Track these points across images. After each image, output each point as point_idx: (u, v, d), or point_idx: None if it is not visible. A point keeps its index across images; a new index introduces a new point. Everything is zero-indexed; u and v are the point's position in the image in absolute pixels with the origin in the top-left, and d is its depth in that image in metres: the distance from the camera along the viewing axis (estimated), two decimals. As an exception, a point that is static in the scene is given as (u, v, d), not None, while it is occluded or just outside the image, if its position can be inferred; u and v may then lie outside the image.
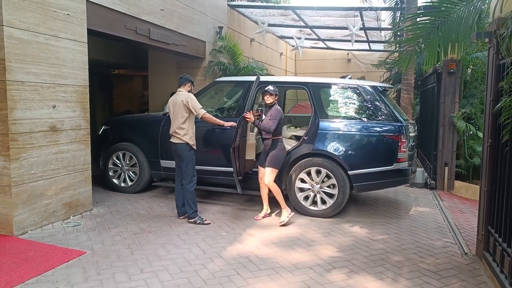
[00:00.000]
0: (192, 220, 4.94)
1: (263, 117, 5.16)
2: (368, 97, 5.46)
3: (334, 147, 5.30)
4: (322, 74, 14.93)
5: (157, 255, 3.94)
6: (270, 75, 10.85)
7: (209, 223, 4.97)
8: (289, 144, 5.73)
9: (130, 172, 6.32)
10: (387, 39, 13.03)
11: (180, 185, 5.06)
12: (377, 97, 5.45)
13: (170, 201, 5.91)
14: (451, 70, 7.20)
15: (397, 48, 10.27)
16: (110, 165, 6.38)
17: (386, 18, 11.25)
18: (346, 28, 10.29)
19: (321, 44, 15.18)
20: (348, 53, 16.42)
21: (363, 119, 5.43)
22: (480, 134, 7.01)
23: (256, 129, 5.75)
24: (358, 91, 5.52)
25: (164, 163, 6.00)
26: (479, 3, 4.00)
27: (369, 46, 14.49)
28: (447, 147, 7.39)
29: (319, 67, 16.65)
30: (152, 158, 6.11)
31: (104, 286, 3.29)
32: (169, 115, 5.11)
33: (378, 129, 5.27)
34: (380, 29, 11.67)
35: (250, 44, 11.66)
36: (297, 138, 6.57)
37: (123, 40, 6.52)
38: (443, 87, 7.37)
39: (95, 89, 10.49)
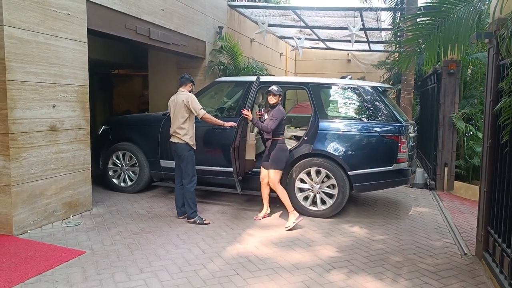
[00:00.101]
0: (191, 220, 4.94)
1: (266, 116, 5.14)
2: (368, 97, 5.46)
3: (334, 147, 5.30)
4: (322, 74, 14.94)
5: (157, 255, 3.94)
6: (270, 75, 10.85)
7: (209, 223, 4.97)
8: (289, 144, 5.72)
9: (130, 172, 6.32)
10: (387, 39, 13.03)
11: (180, 185, 5.06)
12: (377, 97, 5.45)
13: (169, 201, 5.91)
14: (451, 71, 7.20)
15: (397, 49, 10.27)
16: (110, 165, 6.38)
17: (386, 18, 11.28)
18: (346, 29, 10.30)
19: (321, 45, 15.19)
20: (348, 54, 16.43)
21: (363, 119, 5.43)
22: (480, 135, 7.02)
23: (256, 129, 5.76)
24: (358, 92, 5.52)
25: (164, 163, 6.01)
26: (479, 3, 4.00)
27: (369, 46, 14.50)
28: (447, 147, 7.39)
29: (319, 67, 16.65)
30: (152, 158, 6.12)
31: (104, 285, 3.29)
32: (169, 114, 5.12)
33: (378, 129, 5.27)
34: (380, 29, 11.67)
35: (250, 44, 11.67)
36: (297, 138, 6.57)
37: (123, 40, 6.52)
38: (443, 87, 7.38)
39: (95, 89, 10.49)
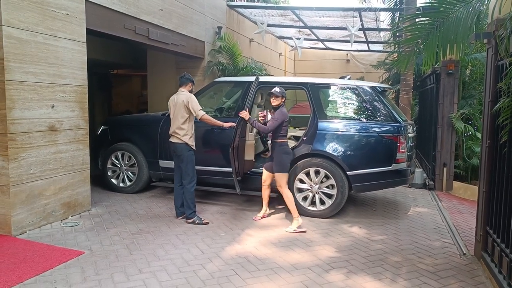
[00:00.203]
0: (190, 220, 4.94)
1: (269, 118, 5.09)
2: (367, 97, 5.47)
3: (333, 147, 5.30)
4: (321, 74, 14.93)
5: (156, 255, 3.93)
6: (269, 75, 10.85)
7: (207, 223, 4.96)
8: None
9: (129, 172, 6.32)
10: (386, 39, 13.04)
11: (179, 185, 5.05)
12: (376, 97, 5.46)
13: (168, 201, 5.90)
14: (450, 71, 7.21)
15: (396, 49, 10.28)
16: (109, 165, 6.37)
17: (385, 18, 11.28)
18: (345, 29, 10.29)
19: (320, 45, 15.19)
20: (347, 54, 16.43)
21: (362, 119, 5.43)
22: (479, 135, 7.02)
23: (255, 129, 5.75)
24: (357, 92, 5.52)
25: (163, 163, 6.00)
26: (478, 4, 4.00)
27: (368, 46, 14.50)
28: (445, 147, 7.40)
29: (318, 67, 16.65)
30: (151, 158, 6.11)
31: (103, 286, 3.28)
32: (168, 114, 5.11)
33: (377, 129, 5.27)
34: (379, 29, 11.68)
35: (249, 44, 11.66)
36: (296, 138, 6.57)
37: (122, 40, 6.52)
38: (441, 87, 7.38)
39: (94, 89, 10.47)
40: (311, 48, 15.87)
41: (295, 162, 5.40)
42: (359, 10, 9.57)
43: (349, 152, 5.27)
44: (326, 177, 5.29)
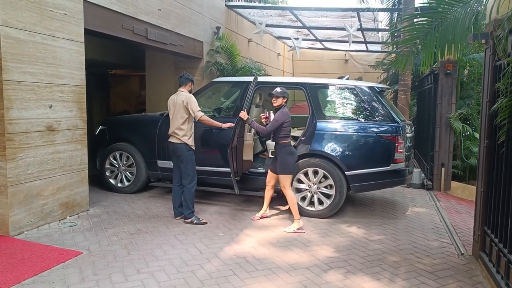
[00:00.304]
0: (188, 220, 4.94)
1: (272, 119, 5.04)
2: (365, 97, 5.47)
3: (331, 147, 5.30)
4: (319, 74, 14.94)
5: (154, 256, 3.93)
6: (268, 75, 10.85)
7: (206, 223, 4.96)
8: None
9: (127, 173, 6.31)
10: (384, 40, 13.06)
11: (178, 186, 5.05)
12: (374, 97, 5.46)
13: (167, 201, 5.90)
14: (448, 71, 7.22)
15: (394, 49, 10.30)
16: (107, 165, 6.36)
17: (383, 19, 11.29)
18: (343, 29, 10.31)
19: (318, 45, 15.20)
20: (345, 54, 16.45)
21: (360, 119, 5.44)
22: (477, 135, 7.04)
23: (253, 130, 5.75)
24: (355, 92, 5.53)
25: (161, 163, 5.99)
26: (476, 4, 4.01)
27: (367, 47, 14.53)
28: (443, 147, 7.41)
29: (317, 67, 16.67)
30: (149, 158, 6.10)
31: (101, 286, 3.28)
32: (166, 115, 5.10)
33: (375, 129, 5.28)
34: (377, 30, 11.70)
35: (248, 45, 11.67)
36: (294, 138, 6.57)
37: (120, 40, 6.51)
38: (440, 88, 7.40)
39: (92, 89, 10.45)
40: (310, 48, 15.89)
41: (293, 162, 5.40)
42: (358, 10, 9.59)
43: (347, 152, 5.27)
44: (325, 177, 5.30)
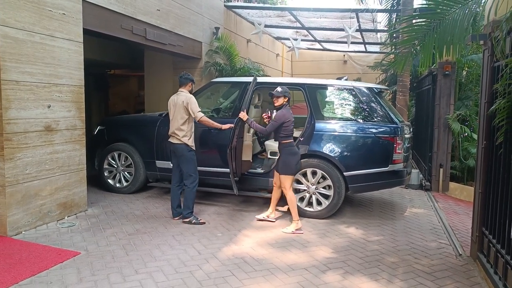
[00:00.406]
0: (187, 220, 4.93)
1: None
2: (364, 98, 5.48)
3: (329, 148, 5.31)
4: (318, 75, 14.95)
5: (152, 256, 3.93)
6: (267, 76, 10.85)
7: (204, 223, 4.96)
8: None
9: (126, 173, 6.30)
10: (383, 40, 13.07)
11: (176, 186, 5.05)
12: (372, 98, 5.47)
13: (165, 201, 5.89)
14: (446, 72, 7.24)
15: (393, 50, 10.33)
16: (105, 166, 6.36)
17: (382, 20, 11.31)
18: (342, 30, 10.31)
19: (317, 46, 15.21)
20: (344, 55, 16.46)
21: (359, 120, 5.44)
22: (475, 136, 7.05)
23: (252, 130, 5.75)
24: (354, 93, 5.53)
25: (160, 163, 5.99)
26: (474, 5, 4.02)
27: (365, 47, 14.54)
28: (442, 148, 7.42)
29: (315, 68, 16.67)
30: (147, 159, 6.10)
31: (99, 287, 3.27)
32: (166, 115, 5.10)
33: (373, 130, 5.29)
34: (376, 30, 11.71)
35: (247, 45, 11.66)
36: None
37: (119, 40, 6.50)
38: (438, 89, 7.41)
39: (91, 89, 10.46)
40: (308, 49, 15.89)
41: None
42: (356, 11, 9.60)
43: (346, 153, 5.28)
44: (323, 177, 5.30)
